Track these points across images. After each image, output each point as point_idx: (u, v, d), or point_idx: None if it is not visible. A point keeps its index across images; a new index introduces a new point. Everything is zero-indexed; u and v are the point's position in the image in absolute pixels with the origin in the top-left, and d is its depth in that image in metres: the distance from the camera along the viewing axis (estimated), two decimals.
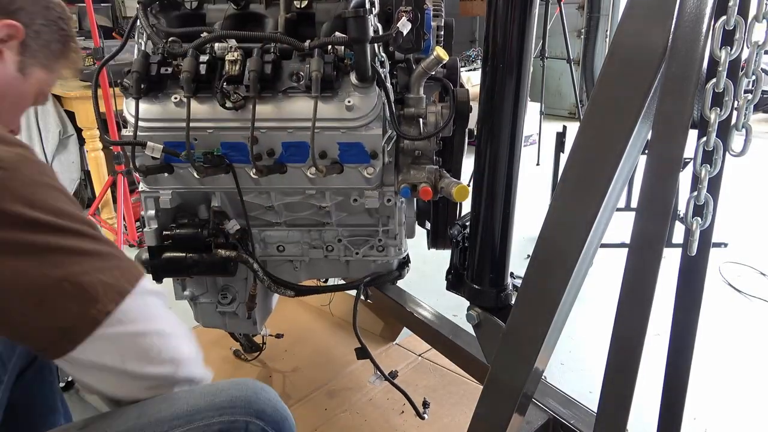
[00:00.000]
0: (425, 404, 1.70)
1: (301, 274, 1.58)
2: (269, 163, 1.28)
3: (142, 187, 1.38)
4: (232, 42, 1.23)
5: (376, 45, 1.25)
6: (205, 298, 1.58)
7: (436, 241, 1.55)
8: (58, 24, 1.03)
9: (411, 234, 1.54)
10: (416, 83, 1.31)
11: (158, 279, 1.41)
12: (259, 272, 1.43)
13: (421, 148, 1.33)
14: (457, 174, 1.41)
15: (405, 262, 1.64)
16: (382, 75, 1.26)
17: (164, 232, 1.38)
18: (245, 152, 1.26)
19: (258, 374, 2.07)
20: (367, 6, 1.18)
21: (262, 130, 1.25)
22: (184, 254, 1.37)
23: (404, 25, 1.22)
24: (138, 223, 3.39)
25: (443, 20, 1.47)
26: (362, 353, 1.55)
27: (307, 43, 1.21)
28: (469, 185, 1.46)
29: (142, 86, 1.24)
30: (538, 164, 4.96)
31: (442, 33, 1.47)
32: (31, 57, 0.99)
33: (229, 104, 1.22)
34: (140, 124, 1.26)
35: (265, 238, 1.49)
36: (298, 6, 1.32)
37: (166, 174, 1.32)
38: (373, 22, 1.22)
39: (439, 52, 1.23)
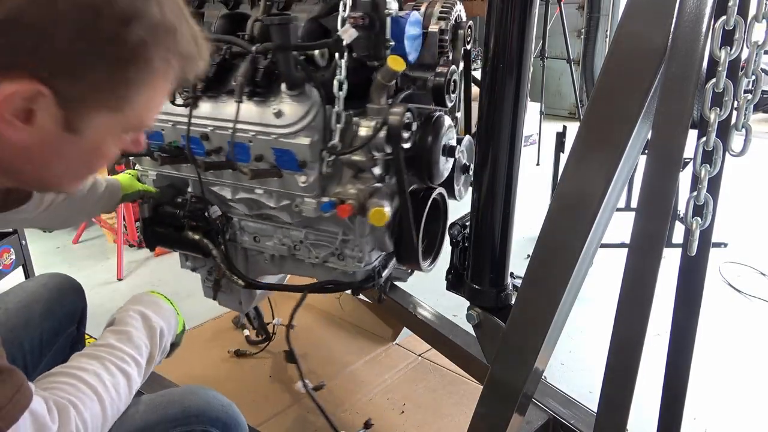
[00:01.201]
0: (367, 425, 1.74)
1: (271, 268, 1.59)
2: (219, 159, 1.34)
3: (137, 166, 1.53)
4: None
5: (348, 52, 1.19)
6: (203, 272, 1.65)
7: (399, 256, 1.44)
8: (121, 36, 0.61)
9: (383, 247, 1.42)
10: (375, 94, 1.25)
11: (150, 247, 1.57)
12: (217, 258, 1.47)
13: (358, 163, 1.27)
14: (401, 193, 1.28)
15: (372, 276, 1.47)
16: (340, 84, 1.20)
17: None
18: (201, 146, 1.35)
19: (258, 374, 2.07)
20: (340, 10, 1.17)
21: (209, 127, 1.31)
22: (165, 230, 1.50)
23: (346, 32, 1.18)
24: (138, 224, 3.39)
25: (450, 23, 1.37)
26: (290, 357, 1.60)
27: (254, 48, 1.22)
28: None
29: None
30: (538, 164, 4.96)
31: (446, 38, 1.37)
32: (79, 104, 0.64)
33: (179, 101, 1.30)
34: None
35: (244, 227, 1.52)
36: (277, 9, 1.32)
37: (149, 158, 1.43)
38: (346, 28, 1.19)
39: (390, 62, 1.18)
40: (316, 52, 1.25)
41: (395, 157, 1.23)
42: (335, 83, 1.20)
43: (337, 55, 1.19)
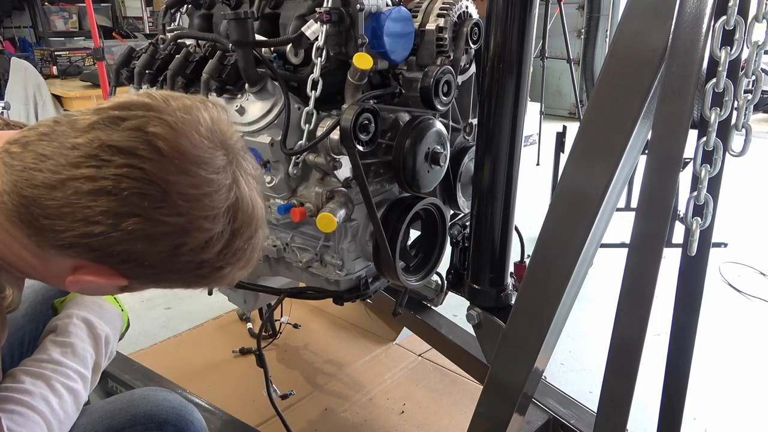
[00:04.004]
0: None
1: (266, 270, 1.56)
2: None
3: None
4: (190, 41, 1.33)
5: (327, 50, 1.17)
6: None
7: (377, 268, 1.36)
8: (210, 275, 0.71)
9: (369, 257, 1.36)
10: (347, 94, 1.20)
11: None
12: None
13: (320, 166, 1.23)
14: (365, 198, 1.22)
15: (357, 287, 1.39)
16: (316, 83, 1.16)
17: None
18: None
19: (259, 373, 2.07)
20: (324, 5, 1.15)
21: None
22: None
23: (309, 28, 1.15)
24: None
25: (450, 21, 1.30)
26: (260, 361, 1.60)
27: (230, 45, 1.21)
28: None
29: (124, 76, 1.42)
30: (538, 164, 4.96)
31: (446, 36, 1.29)
32: (141, 284, 0.73)
33: None
34: None
35: None
36: (269, 7, 1.31)
37: None
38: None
39: (356, 60, 1.13)
40: (287, 48, 1.23)
41: (352, 160, 1.16)
42: (309, 82, 1.17)
43: (324, 52, 1.16)
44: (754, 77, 0.79)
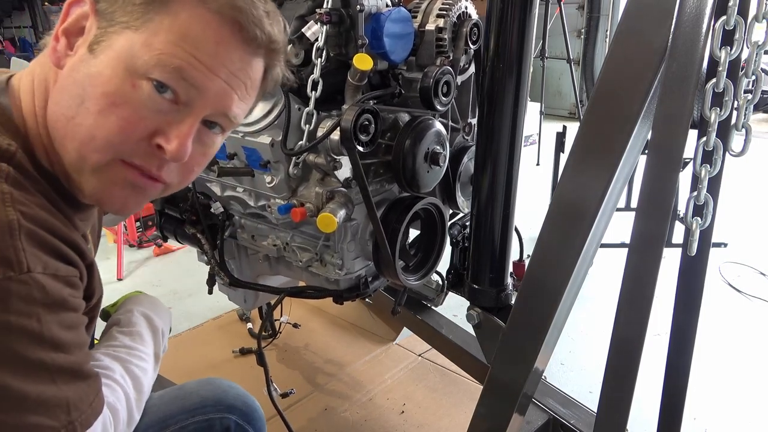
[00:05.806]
0: None
1: (266, 269, 1.58)
2: None
3: None
4: None
5: (327, 50, 1.16)
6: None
7: (377, 267, 1.36)
8: None
9: (368, 257, 1.36)
10: (347, 95, 1.20)
11: (164, 237, 1.64)
12: (207, 252, 1.49)
13: (320, 166, 1.23)
14: (365, 199, 1.21)
15: (357, 286, 1.39)
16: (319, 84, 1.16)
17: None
18: None
19: (259, 374, 2.07)
20: (325, 6, 1.15)
21: None
22: (170, 223, 1.57)
23: (309, 29, 1.15)
24: (138, 224, 3.40)
25: (450, 21, 1.30)
26: (260, 360, 1.61)
27: None
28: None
29: None
30: (538, 164, 4.96)
31: (445, 37, 1.29)
32: (108, 24, 0.68)
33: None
34: None
35: (244, 224, 1.51)
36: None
37: None
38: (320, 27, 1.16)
39: (356, 61, 1.13)
40: (288, 49, 1.24)
41: (352, 160, 1.15)
42: (309, 82, 1.16)
43: (314, 53, 1.16)
44: (754, 77, 0.79)
